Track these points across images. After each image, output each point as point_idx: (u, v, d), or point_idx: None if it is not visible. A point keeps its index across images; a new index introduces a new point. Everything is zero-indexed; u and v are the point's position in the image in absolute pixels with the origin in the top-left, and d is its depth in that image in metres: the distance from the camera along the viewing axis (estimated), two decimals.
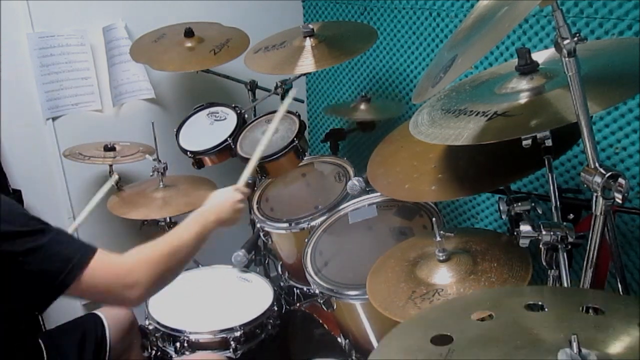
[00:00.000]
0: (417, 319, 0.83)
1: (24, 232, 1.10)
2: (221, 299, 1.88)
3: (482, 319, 0.80)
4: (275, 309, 1.82)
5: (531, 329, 0.76)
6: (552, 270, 1.09)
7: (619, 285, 1.03)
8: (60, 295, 1.13)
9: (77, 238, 1.19)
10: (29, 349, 1.34)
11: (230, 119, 2.05)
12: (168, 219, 2.10)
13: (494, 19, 0.99)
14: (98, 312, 1.64)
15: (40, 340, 1.41)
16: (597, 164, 0.87)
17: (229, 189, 1.49)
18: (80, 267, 1.12)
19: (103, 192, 1.89)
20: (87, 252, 1.15)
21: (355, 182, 1.75)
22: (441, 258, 1.30)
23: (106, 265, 1.17)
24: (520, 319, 0.79)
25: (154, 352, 1.79)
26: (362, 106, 2.07)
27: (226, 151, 1.97)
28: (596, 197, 0.88)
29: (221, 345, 1.71)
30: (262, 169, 1.87)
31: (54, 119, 2.19)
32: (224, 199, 1.44)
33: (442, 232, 1.30)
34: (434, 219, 1.40)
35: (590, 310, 0.81)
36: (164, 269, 1.22)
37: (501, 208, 1.21)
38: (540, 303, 0.82)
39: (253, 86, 2.28)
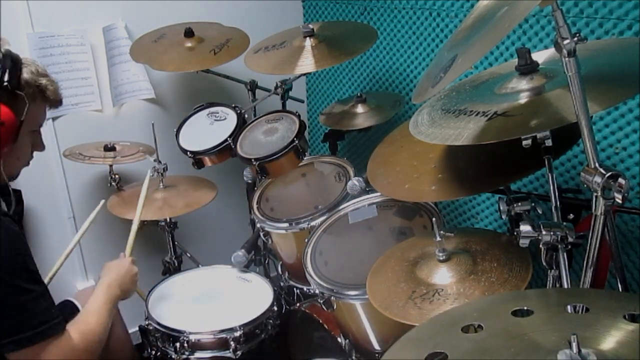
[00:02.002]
0: (406, 340, 0.82)
1: (7, 282, 1.16)
2: (221, 299, 1.88)
3: (475, 331, 0.80)
4: (275, 309, 1.82)
5: (523, 334, 0.75)
6: (552, 270, 1.09)
7: (619, 285, 1.03)
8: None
9: (52, 311, 1.24)
10: None
11: (230, 119, 2.05)
12: (168, 219, 2.10)
13: (494, 19, 0.99)
14: (72, 298, 1.65)
15: None
16: (597, 164, 0.87)
17: (124, 261, 1.62)
18: (32, 341, 1.19)
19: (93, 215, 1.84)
20: (48, 330, 1.21)
21: (355, 182, 1.75)
22: (441, 258, 1.30)
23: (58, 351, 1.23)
24: (510, 326, 0.78)
25: (154, 352, 1.79)
26: (359, 108, 2.06)
27: (226, 151, 1.97)
28: (596, 197, 0.88)
29: (221, 345, 1.71)
30: (262, 169, 1.87)
31: (54, 119, 2.19)
32: (123, 272, 1.56)
33: (442, 232, 1.30)
34: (434, 219, 1.40)
35: (576, 309, 0.81)
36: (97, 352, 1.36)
37: (501, 208, 1.21)
38: (526, 308, 0.82)
39: (253, 86, 2.28)
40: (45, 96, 1.36)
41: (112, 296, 1.48)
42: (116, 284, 1.51)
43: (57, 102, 1.41)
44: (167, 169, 2.06)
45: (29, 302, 1.20)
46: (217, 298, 1.89)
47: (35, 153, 2.18)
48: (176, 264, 2.18)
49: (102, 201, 1.89)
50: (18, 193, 2.12)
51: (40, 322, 1.20)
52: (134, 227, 1.76)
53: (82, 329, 1.32)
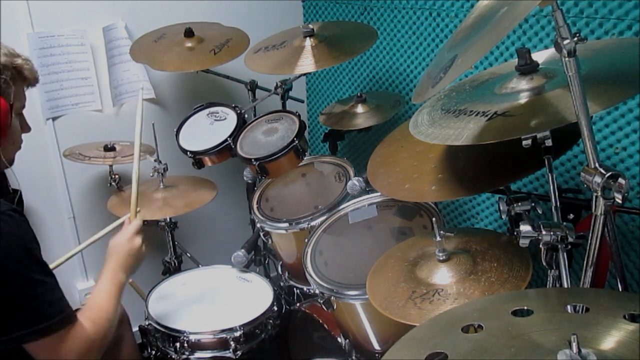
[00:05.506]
0: (406, 340, 0.82)
1: (22, 274, 1.17)
2: (221, 299, 1.89)
3: (475, 331, 0.80)
4: (275, 309, 1.82)
5: (523, 334, 0.75)
6: (552, 270, 1.09)
7: (619, 285, 1.03)
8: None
9: (65, 302, 1.25)
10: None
11: (230, 119, 2.04)
12: (168, 219, 2.10)
13: (494, 19, 0.99)
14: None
15: None
16: (597, 164, 0.87)
17: (125, 237, 1.55)
18: (51, 330, 1.20)
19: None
20: (65, 319, 1.23)
21: (355, 182, 1.75)
22: (441, 258, 1.30)
23: (71, 342, 1.24)
24: (510, 326, 0.78)
25: (154, 352, 1.79)
26: (359, 108, 2.06)
27: (226, 151, 1.97)
28: (596, 197, 0.88)
29: (221, 345, 1.71)
30: (262, 169, 1.87)
31: (54, 119, 2.19)
32: (125, 253, 1.51)
33: (442, 232, 1.29)
34: (434, 219, 1.40)
35: (576, 309, 0.81)
36: (105, 344, 1.35)
37: (501, 208, 1.21)
38: (526, 308, 0.82)
39: (253, 86, 2.28)
40: (24, 76, 1.35)
41: (118, 282, 1.46)
42: (120, 269, 1.48)
43: (35, 81, 1.39)
44: (167, 169, 2.06)
45: (44, 293, 1.21)
46: (217, 298, 1.89)
47: (35, 153, 2.20)
48: (176, 264, 2.18)
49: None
50: (18, 193, 2.13)
51: (56, 312, 1.22)
52: (134, 184, 1.68)
53: (92, 316, 1.33)
